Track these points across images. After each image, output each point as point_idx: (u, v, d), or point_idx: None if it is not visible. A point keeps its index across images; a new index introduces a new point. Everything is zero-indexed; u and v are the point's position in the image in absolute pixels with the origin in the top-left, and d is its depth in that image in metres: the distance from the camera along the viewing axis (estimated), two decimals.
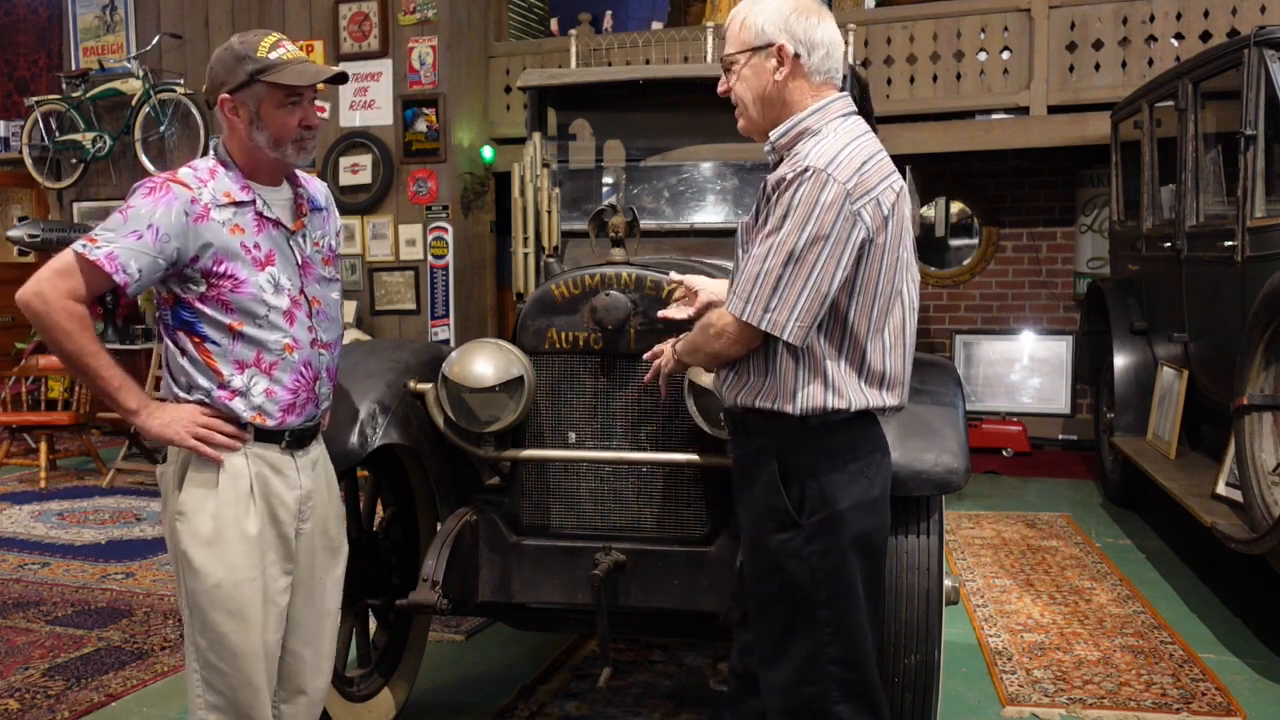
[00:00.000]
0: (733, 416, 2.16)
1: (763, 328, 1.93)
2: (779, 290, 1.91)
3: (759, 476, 2.08)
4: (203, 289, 2.11)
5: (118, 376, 2.08)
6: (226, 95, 2.13)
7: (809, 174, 1.91)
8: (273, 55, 2.12)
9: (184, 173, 2.14)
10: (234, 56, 2.13)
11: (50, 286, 2.03)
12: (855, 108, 2.11)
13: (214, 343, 2.13)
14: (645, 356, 2.45)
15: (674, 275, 2.56)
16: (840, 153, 1.94)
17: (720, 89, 2.13)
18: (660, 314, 2.50)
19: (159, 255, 2.05)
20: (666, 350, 2.32)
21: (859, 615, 2.04)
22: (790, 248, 1.90)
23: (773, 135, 2.06)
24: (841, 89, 2.11)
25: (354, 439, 2.57)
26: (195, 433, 2.11)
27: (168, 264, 2.07)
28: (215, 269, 2.10)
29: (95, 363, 2.06)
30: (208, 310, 2.12)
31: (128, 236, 2.03)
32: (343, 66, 7.18)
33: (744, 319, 1.94)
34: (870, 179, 1.95)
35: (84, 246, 2.03)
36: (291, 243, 2.24)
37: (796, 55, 2.01)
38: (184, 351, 2.14)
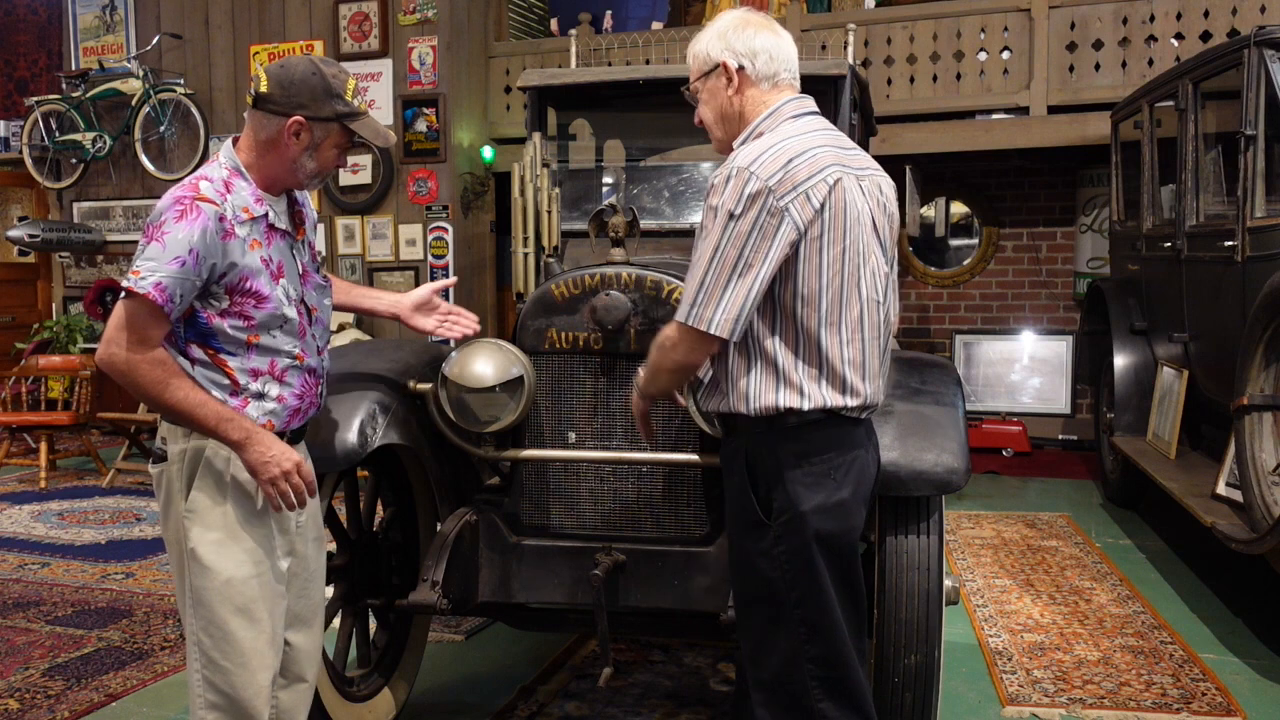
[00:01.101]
0: (719, 416, 2.20)
1: (690, 324, 1.99)
2: (704, 286, 1.98)
3: (733, 476, 2.13)
4: (224, 305, 2.11)
5: (213, 413, 2.07)
6: (301, 118, 2.13)
7: (734, 174, 1.98)
8: (355, 101, 2.20)
9: (205, 187, 2.10)
10: (325, 89, 2.14)
11: (120, 346, 2.02)
12: (811, 108, 2.15)
13: (229, 353, 2.14)
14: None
15: None
16: (766, 152, 2.00)
17: (696, 120, 2.23)
18: None
19: (197, 278, 2.05)
20: (634, 399, 2.31)
21: (833, 615, 2.06)
22: (714, 245, 1.97)
23: (735, 145, 2.13)
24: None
25: (354, 439, 2.56)
26: (280, 487, 2.11)
27: (202, 284, 2.07)
28: (240, 285, 2.10)
29: (187, 406, 2.06)
30: (226, 325, 2.11)
31: (170, 263, 2.01)
32: (343, 66, 7.18)
33: (679, 320, 2.02)
34: (799, 174, 1.98)
35: (131, 281, 2.01)
36: (294, 251, 2.25)
37: (741, 68, 2.11)
38: (196, 361, 2.13)
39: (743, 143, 2.11)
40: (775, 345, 2.03)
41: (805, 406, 2.02)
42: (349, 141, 2.23)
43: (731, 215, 1.96)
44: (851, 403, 2.06)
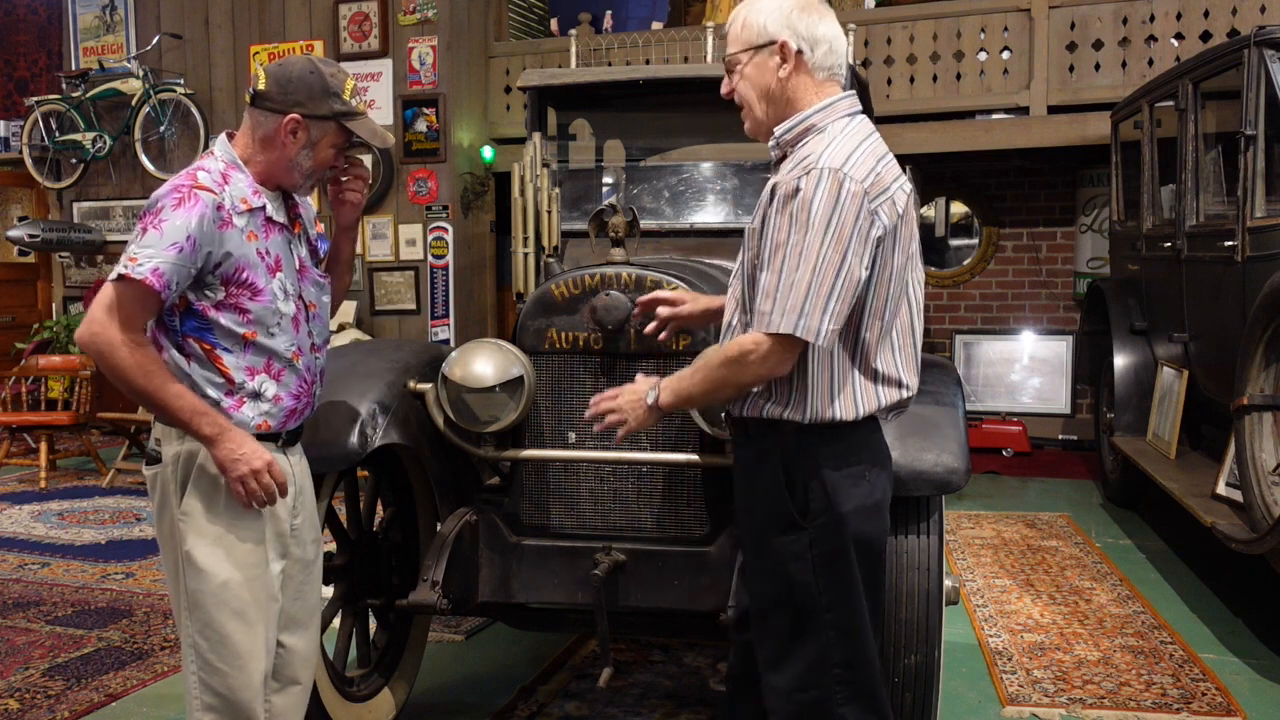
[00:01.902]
0: (733, 419, 2.15)
1: (798, 334, 1.87)
2: (810, 295, 1.87)
3: (761, 480, 2.06)
4: (220, 296, 2.09)
5: (188, 405, 2.05)
6: (298, 116, 2.12)
7: (826, 174, 1.88)
8: (353, 101, 2.18)
9: (203, 177, 2.09)
10: (323, 88, 2.13)
11: (106, 326, 1.99)
12: (860, 107, 2.09)
13: (225, 349, 2.12)
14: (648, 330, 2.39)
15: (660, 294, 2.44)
16: (854, 152, 1.93)
17: (724, 90, 2.11)
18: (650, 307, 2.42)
19: (193, 266, 2.03)
20: (642, 407, 2.10)
21: (862, 617, 2.04)
22: (816, 252, 1.86)
23: (778, 131, 2.04)
24: (847, 87, 2.11)
25: (354, 439, 2.56)
26: (250, 485, 2.09)
27: (197, 272, 2.06)
28: (236, 277, 2.09)
29: (164, 396, 2.03)
30: (222, 319, 2.10)
31: (168, 250, 1.99)
32: (343, 66, 7.18)
33: (781, 331, 1.88)
34: (885, 178, 1.94)
35: (126, 267, 1.99)
36: (292, 246, 2.24)
37: (799, 51, 2.00)
38: (192, 357, 2.12)
39: (786, 133, 2.02)
40: (836, 355, 1.97)
41: (856, 417, 2.00)
42: (346, 141, 2.22)
43: (830, 218, 1.86)
44: (890, 398, 2.03)
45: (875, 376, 2.01)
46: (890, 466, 2.14)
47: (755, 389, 2.03)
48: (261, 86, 2.14)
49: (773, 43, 2.01)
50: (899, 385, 2.04)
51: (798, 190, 1.89)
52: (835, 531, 2.01)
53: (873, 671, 2.07)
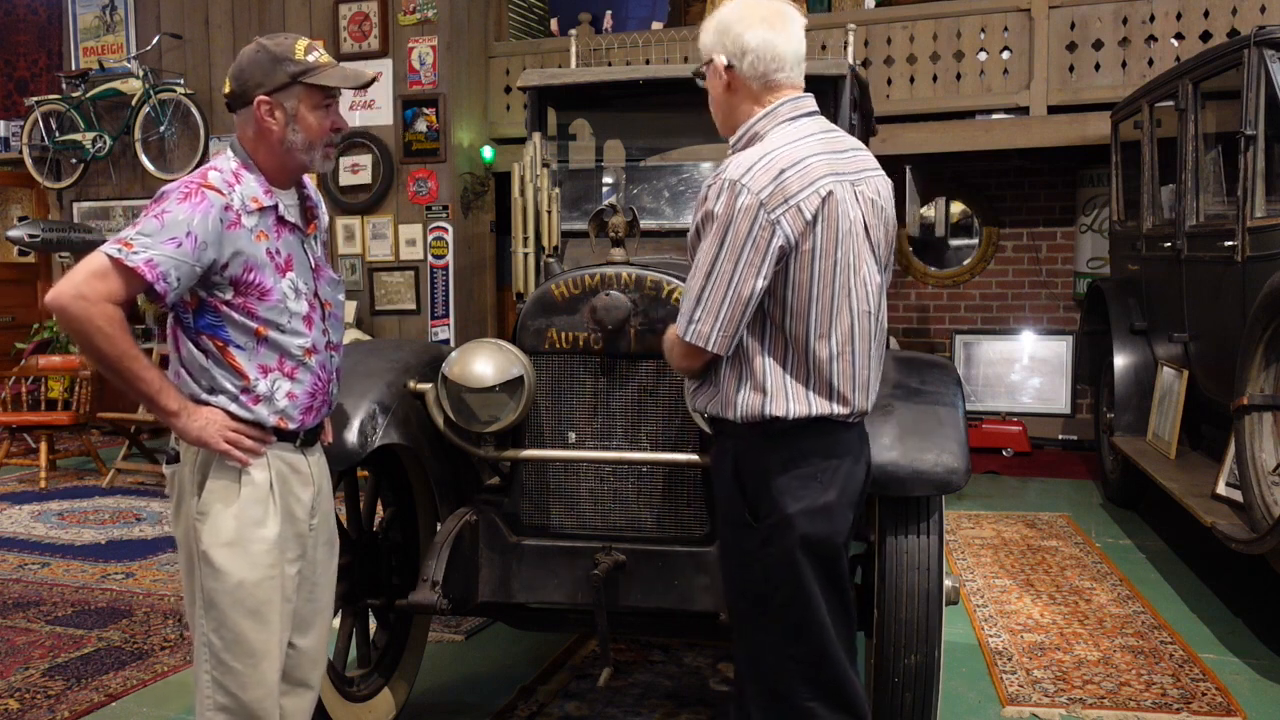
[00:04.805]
0: (708, 417, 2.20)
1: (688, 339, 2.01)
2: (702, 303, 1.99)
3: (722, 477, 2.14)
4: (229, 295, 2.09)
5: (156, 378, 2.05)
6: (265, 97, 2.11)
7: (726, 187, 1.97)
8: (310, 58, 2.15)
9: (213, 176, 2.09)
10: (271, 59, 2.12)
11: (90, 289, 1.95)
12: (809, 108, 2.12)
13: (238, 346, 2.11)
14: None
15: None
16: (758, 163, 1.98)
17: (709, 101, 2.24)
18: None
19: (196, 264, 2.01)
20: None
21: (819, 616, 2.06)
22: (710, 261, 1.97)
23: (730, 141, 2.13)
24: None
25: (354, 439, 2.56)
26: (227, 436, 2.10)
27: (202, 272, 2.04)
28: (244, 277, 2.08)
29: (135, 366, 2.01)
30: (235, 315, 2.10)
31: (166, 243, 1.98)
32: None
33: (678, 334, 2.04)
34: (791, 186, 1.97)
35: (119, 251, 1.96)
36: (306, 246, 2.24)
37: (730, 66, 2.09)
38: (207, 354, 2.11)
39: (737, 142, 2.10)
40: (764, 357, 2.03)
41: (790, 415, 2.02)
42: (325, 98, 2.17)
43: (726, 229, 1.95)
44: (840, 410, 2.05)
45: (807, 379, 2.03)
46: (854, 469, 2.12)
47: (692, 383, 2.17)
48: (226, 90, 2.17)
49: (710, 60, 2.12)
50: (838, 394, 2.05)
51: (706, 200, 2.00)
52: (783, 533, 2.04)
53: (839, 668, 2.08)
